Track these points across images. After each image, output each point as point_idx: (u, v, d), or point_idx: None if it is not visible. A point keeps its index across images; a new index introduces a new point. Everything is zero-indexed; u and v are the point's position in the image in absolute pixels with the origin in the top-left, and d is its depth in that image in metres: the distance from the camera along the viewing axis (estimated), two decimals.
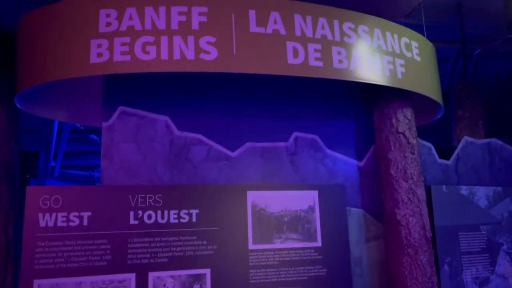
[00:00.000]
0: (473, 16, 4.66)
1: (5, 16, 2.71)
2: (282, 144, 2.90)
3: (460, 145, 3.40)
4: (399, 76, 2.71)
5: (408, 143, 2.84)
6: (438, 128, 4.64)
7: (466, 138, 3.43)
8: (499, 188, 3.41)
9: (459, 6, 4.29)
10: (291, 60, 2.39)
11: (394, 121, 2.87)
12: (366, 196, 3.00)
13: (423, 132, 4.24)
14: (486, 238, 3.25)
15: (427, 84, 2.93)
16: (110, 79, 2.65)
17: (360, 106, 3.15)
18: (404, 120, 2.87)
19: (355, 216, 2.95)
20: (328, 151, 2.99)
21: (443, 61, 6.06)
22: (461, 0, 4.19)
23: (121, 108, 2.63)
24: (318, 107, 3.05)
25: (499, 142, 3.58)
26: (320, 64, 2.45)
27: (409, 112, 2.91)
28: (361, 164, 3.05)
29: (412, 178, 2.78)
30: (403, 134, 2.84)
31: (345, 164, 3.01)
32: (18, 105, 2.61)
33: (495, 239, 3.28)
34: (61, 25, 2.27)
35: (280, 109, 2.95)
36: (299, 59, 2.41)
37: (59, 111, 3.13)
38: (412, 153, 2.83)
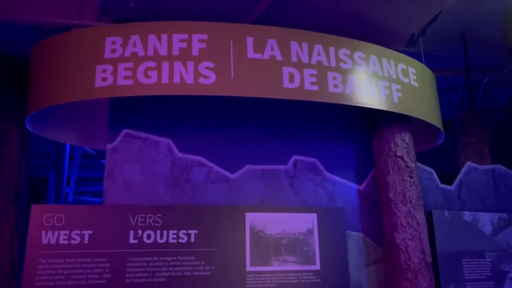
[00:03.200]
0: (478, 45, 4.73)
1: (21, 45, 2.90)
2: (281, 167, 2.95)
3: (463, 170, 3.39)
4: (395, 100, 2.77)
5: (407, 166, 2.86)
6: (445, 155, 4.63)
7: (469, 164, 3.42)
8: (504, 215, 3.36)
9: (462, 34, 4.36)
10: (287, 84, 2.48)
11: (392, 145, 2.90)
12: (366, 220, 3.00)
13: (429, 159, 4.24)
14: (491, 265, 3.18)
15: (425, 109, 2.97)
16: (115, 103, 2.78)
17: (361, 131, 3.20)
18: (402, 144, 2.90)
19: (354, 239, 2.94)
20: (328, 175, 3.02)
21: (450, 90, 6.11)
22: (465, 28, 4.27)
23: (125, 131, 2.74)
24: (318, 131, 3.11)
25: (504, 168, 3.56)
26: (315, 88, 2.53)
27: (407, 137, 2.94)
28: (361, 188, 3.07)
29: (411, 202, 2.79)
30: (402, 158, 2.87)
31: (344, 188, 3.03)
32: (28, 127, 2.74)
33: (501, 266, 3.21)
34: (69, 52, 2.43)
35: (280, 133, 3.02)
36: (295, 83, 2.50)
37: (67, 133, 3.26)
38: (411, 177, 2.84)
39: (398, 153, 2.88)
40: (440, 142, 3.42)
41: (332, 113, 3.16)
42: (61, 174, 5.65)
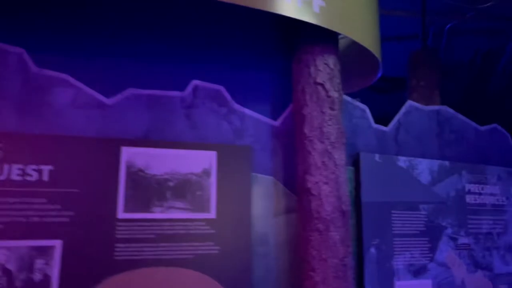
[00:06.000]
0: None
1: None
2: (176, 93, 2.36)
3: (403, 109, 2.89)
4: (316, 9, 2.18)
5: (328, 96, 2.32)
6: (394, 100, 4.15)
7: (410, 103, 2.92)
8: (446, 163, 2.91)
9: None
10: None
11: (312, 69, 2.34)
12: (279, 162, 2.48)
13: (375, 103, 3.74)
14: (426, 219, 2.74)
15: (357, 27, 2.41)
16: None
17: (280, 56, 2.62)
18: (324, 69, 2.35)
19: (263, 184, 2.43)
20: (236, 106, 2.46)
21: (410, 38, 5.58)
22: None
23: None
24: (228, 52, 2.52)
25: (451, 111, 3.08)
26: None
27: (331, 60, 2.38)
28: (277, 123, 2.53)
29: (329, 139, 2.26)
30: (322, 85, 2.32)
31: (256, 123, 2.48)
32: None
33: (437, 221, 2.78)
34: None
35: (177, 50, 2.42)
36: None
37: None
38: (332, 109, 2.31)
39: (319, 80, 2.32)
40: (378, 76, 2.89)
41: (246, 31, 2.56)
42: None
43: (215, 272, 2.20)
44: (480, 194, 3.00)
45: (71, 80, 2.19)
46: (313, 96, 2.32)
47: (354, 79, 3.09)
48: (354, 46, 2.70)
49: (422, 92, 3.53)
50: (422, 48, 3.98)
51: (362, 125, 2.71)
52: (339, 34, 2.41)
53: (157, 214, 2.18)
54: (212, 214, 2.26)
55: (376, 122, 2.77)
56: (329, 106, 2.31)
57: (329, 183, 2.22)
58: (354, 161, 2.61)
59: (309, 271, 2.17)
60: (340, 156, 2.28)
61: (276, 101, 2.57)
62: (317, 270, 2.14)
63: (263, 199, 2.40)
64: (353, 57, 2.94)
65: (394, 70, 5.57)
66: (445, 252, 2.76)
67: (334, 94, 2.33)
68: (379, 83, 6.73)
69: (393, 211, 2.62)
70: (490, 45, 5.93)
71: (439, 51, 5.88)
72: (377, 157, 2.64)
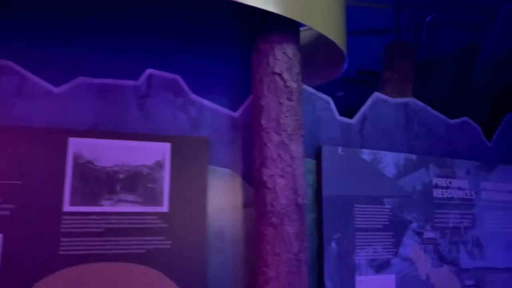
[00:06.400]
0: None
1: None
2: (129, 82, 2.27)
3: (369, 101, 2.83)
4: None
5: (286, 86, 2.24)
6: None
7: (376, 95, 2.86)
8: (413, 156, 2.86)
9: None
10: None
11: (271, 59, 2.27)
12: (238, 155, 2.41)
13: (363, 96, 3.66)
14: (390, 213, 2.70)
15: (320, 18, 2.33)
16: None
17: (241, 45, 2.54)
18: (283, 58, 2.27)
19: (221, 177, 2.36)
20: (193, 97, 2.38)
21: (389, 31, 5.52)
22: None
23: None
24: (185, 40, 2.44)
25: (420, 103, 3.03)
26: None
27: (290, 50, 2.31)
28: (236, 115, 2.46)
29: (286, 131, 2.20)
30: (280, 75, 2.25)
31: (214, 114, 2.41)
32: None
33: (402, 215, 2.74)
34: None
35: (131, 38, 2.33)
36: None
37: None
38: (290, 100, 2.24)
39: (277, 70, 2.25)
40: (344, 69, 2.83)
41: (206, 20, 2.48)
42: None
43: (167, 268, 2.14)
44: (447, 188, 2.96)
45: (16, 67, 2.09)
46: (271, 86, 2.25)
47: (321, 71, 3.03)
48: (321, 38, 2.63)
49: (395, 85, 3.47)
50: (396, 40, 3.92)
51: (326, 117, 2.65)
52: (300, 24, 2.33)
53: (106, 207, 2.10)
54: (164, 208, 2.19)
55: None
56: (287, 97, 2.24)
57: (285, 176, 2.16)
58: (317, 154, 2.55)
59: (263, 266, 2.11)
60: (297, 148, 2.22)
61: (236, 92, 2.50)
62: (270, 266, 2.08)
63: (221, 192, 2.34)
64: (320, 49, 2.88)
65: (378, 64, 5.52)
66: (409, 246, 2.72)
67: (293, 85, 2.26)
68: (363, 77, 6.69)
69: (356, 205, 2.57)
70: (471, 38, 5.89)
71: (421, 44, 5.84)
72: (340, 150, 2.59)
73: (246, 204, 2.37)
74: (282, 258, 2.08)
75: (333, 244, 2.46)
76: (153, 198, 2.18)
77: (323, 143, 2.59)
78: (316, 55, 2.92)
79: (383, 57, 3.71)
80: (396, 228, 2.69)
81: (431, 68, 6.40)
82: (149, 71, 2.31)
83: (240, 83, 2.51)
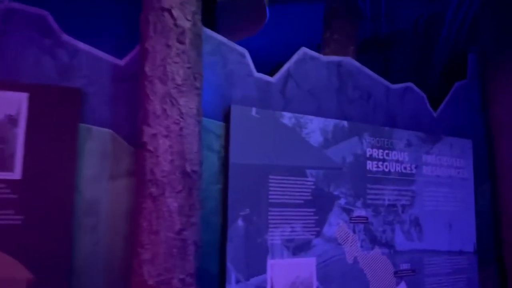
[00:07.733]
0: None
1: None
2: None
3: (294, 57, 2.41)
4: None
5: (176, 25, 1.80)
6: None
7: (303, 50, 2.44)
8: (345, 123, 2.48)
9: None
10: None
11: None
12: (122, 112, 1.96)
13: None
14: (313, 187, 2.32)
15: None
16: None
17: None
18: None
19: (98, 139, 1.90)
20: (65, 38, 1.90)
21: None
22: None
23: None
24: None
25: (356, 64, 2.64)
26: None
27: None
28: (122, 63, 2.00)
29: (174, 80, 1.76)
30: (169, 11, 1.80)
31: (92, 61, 1.94)
32: None
33: (328, 189, 2.37)
34: None
35: None
36: None
37: None
38: (181, 43, 1.80)
39: (166, 5, 1.80)
40: (264, 22, 2.40)
41: None
42: None
43: (16, 250, 1.69)
44: (384, 160, 2.61)
45: None
46: (158, 25, 1.79)
47: (245, 26, 2.60)
48: None
49: (335, 46, 3.09)
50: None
51: (240, 72, 2.22)
52: None
53: None
54: (16, 175, 1.73)
55: None
56: (177, 39, 1.79)
57: (169, 135, 1.73)
58: (226, 116, 2.13)
59: (137, 247, 1.69)
60: (187, 103, 1.79)
61: (125, 36, 2.03)
62: (146, 246, 1.67)
63: (97, 157, 1.89)
64: (243, 4, 2.45)
65: None
66: (336, 226, 2.36)
67: (185, 24, 1.82)
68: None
69: (271, 176, 2.18)
70: (432, 10, 5.57)
71: (380, 19, 5.48)
72: (254, 111, 2.17)
73: (129, 172, 1.93)
74: (161, 237, 1.66)
75: (240, 222, 2.06)
76: (1, 162, 1.71)
77: (235, 102, 2.17)
78: (241, 9, 2.50)
79: (323, 18, 3.30)
80: (320, 204, 2.32)
81: (391, 43, 6.08)
82: (9, 3, 1.82)
83: (130, 25, 2.05)
